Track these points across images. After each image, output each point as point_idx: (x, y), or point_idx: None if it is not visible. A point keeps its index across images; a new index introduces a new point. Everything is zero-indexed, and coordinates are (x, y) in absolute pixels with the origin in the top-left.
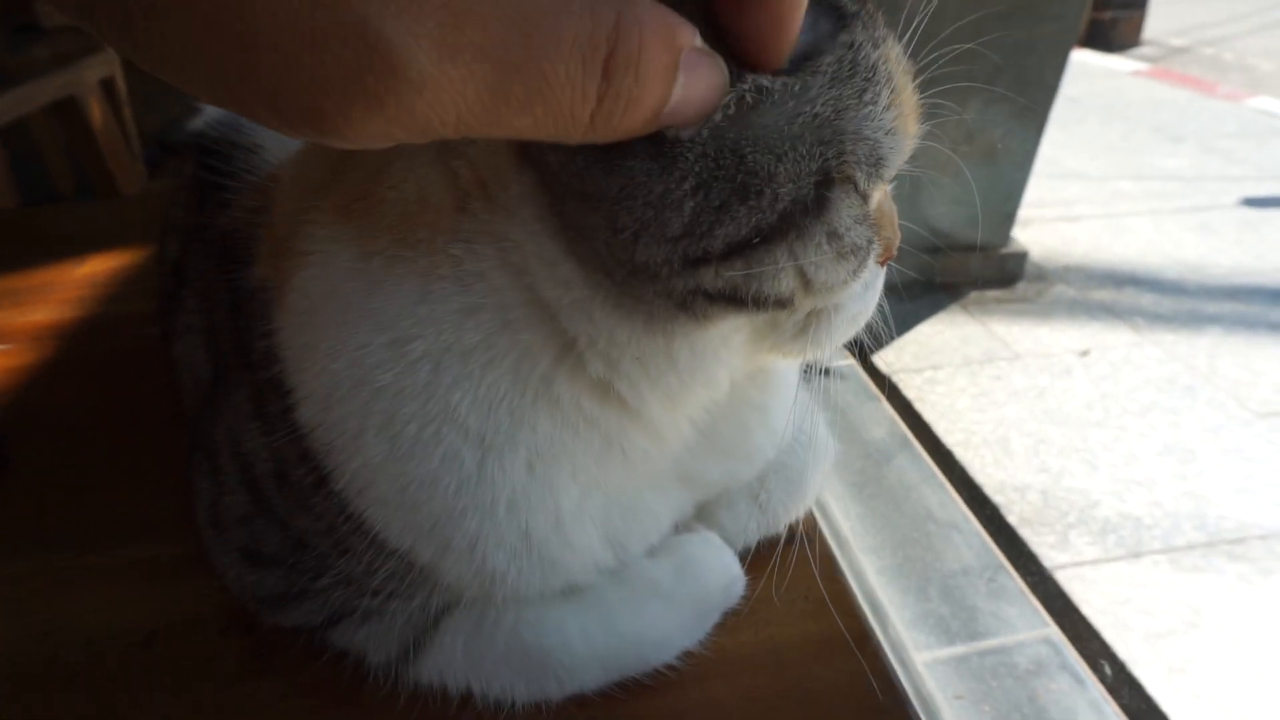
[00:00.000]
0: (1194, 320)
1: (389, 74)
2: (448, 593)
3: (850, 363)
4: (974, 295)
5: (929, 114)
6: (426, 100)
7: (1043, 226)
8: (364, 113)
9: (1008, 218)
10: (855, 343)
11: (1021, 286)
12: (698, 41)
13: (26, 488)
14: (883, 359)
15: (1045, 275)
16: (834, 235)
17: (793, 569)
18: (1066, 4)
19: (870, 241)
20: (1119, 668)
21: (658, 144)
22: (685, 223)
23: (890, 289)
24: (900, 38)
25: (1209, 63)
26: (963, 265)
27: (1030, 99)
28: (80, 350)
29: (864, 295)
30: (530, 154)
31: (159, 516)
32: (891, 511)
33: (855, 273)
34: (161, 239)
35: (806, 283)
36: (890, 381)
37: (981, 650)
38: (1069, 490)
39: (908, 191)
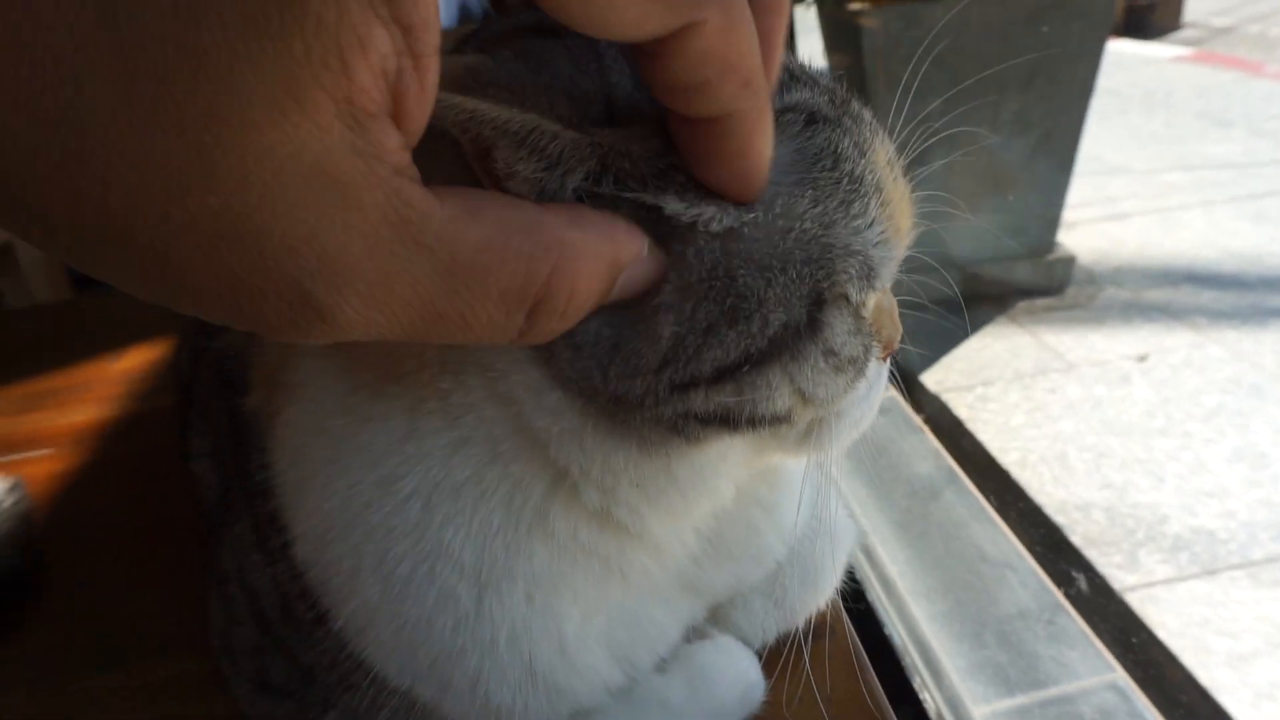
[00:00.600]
0: (1257, 315)
1: (319, 319)
2: None
3: (890, 394)
4: (1022, 305)
5: (954, 142)
6: (358, 331)
7: (1089, 228)
8: (301, 336)
9: (1051, 222)
10: (898, 372)
11: (1071, 292)
12: (644, 251)
13: (64, 602)
14: (931, 378)
15: (1095, 279)
16: (830, 353)
17: (816, 666)
18: None
19: (868, 348)
20: (1201, 695)
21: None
22: (664, 352)
23: (935, 306)
24: (924, 56)
25: (1255, 41)
26: (1007, 275)
27: (1065, 98)
28: (118, 451)
29: (868, 396)
30: None
31: (196, 629)
32: (941, 552)
33: (855, 380)
34: (177, 347)
35: (804, 399)
36: (940, 401)
37: (1044, 700)
38: (1135, 506)
39: (943, 205)
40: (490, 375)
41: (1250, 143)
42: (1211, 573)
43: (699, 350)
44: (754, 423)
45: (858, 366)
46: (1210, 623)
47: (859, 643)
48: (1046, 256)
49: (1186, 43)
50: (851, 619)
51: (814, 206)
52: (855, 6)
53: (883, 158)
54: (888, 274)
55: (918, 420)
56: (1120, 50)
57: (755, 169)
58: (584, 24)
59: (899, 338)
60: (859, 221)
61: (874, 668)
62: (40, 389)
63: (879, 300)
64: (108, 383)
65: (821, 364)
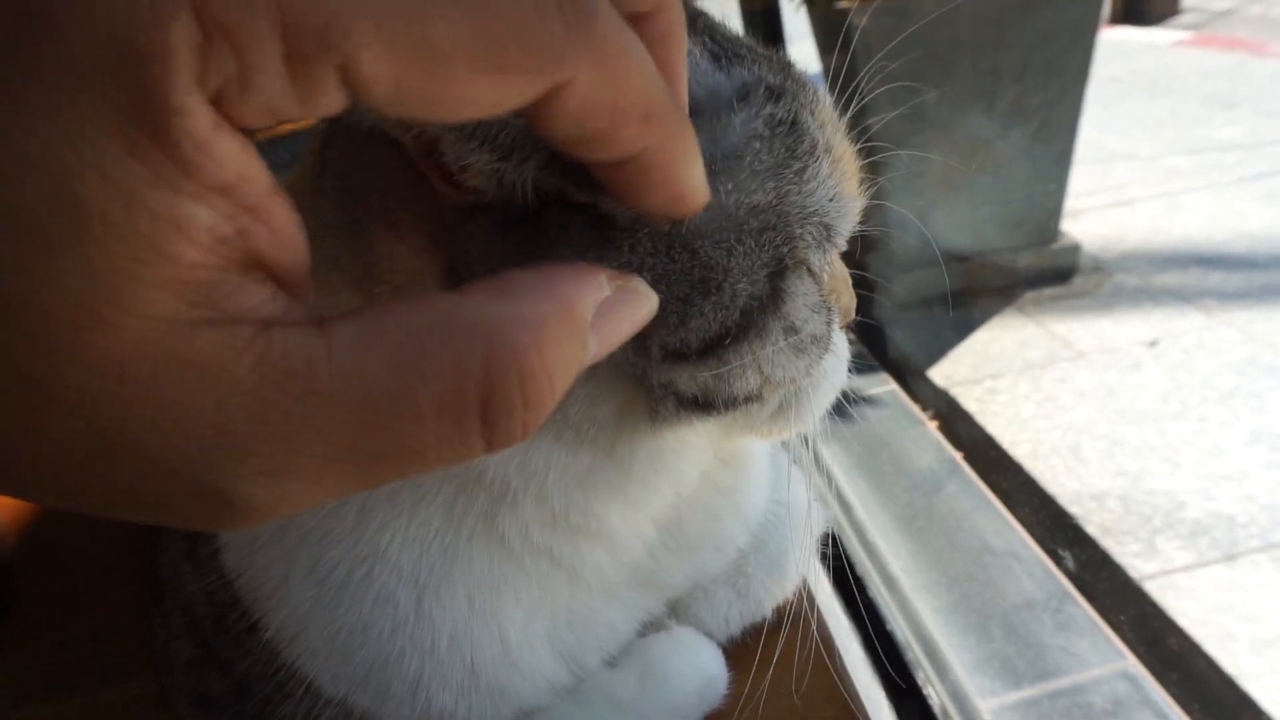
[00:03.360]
0: (1269, 295)
1: (232, 508)
2: None
3: (890, 388)
4: (1029, 296)
5: (950, 126)
6: (287, 506)
7: (1094, 215)
8: (231, 527)
9: (1054, 211)
10: (898, 365)
11: (1078, 281)
12: (606, 290)
13: (40, 623)
14: (939, 372)
15: (1102, 266)
16: (790, 329)
17: (783, 657)
18: None
19: (830, 324)
20: (1226, 682)
21: (594, 235)
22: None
23: (939, 300)
24: (916, 50)
25: (1257, 22)
26: (1012, 266)
27: (1061, 86)
28: None
29: (836, 367)
30: (460, 276)
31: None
32: (944, 545)
33: (817, 361)
34: None
35: (766, 379)
36: (948, 396)
37: (1053, 691)
38: (1151, 493)
39: (942, 199)
40: None
41: (1256, 123)
42: (1232, 558)
43: (683, 319)
44: (730, 403)
45: (820, 345)
46: (1233, 609)
47: (830, 631)
48: (1051, 245)
49: (1187, 27)
50: (852, 615)
51: (769, 178)
52: (845, 5)
53: (828, 117)
54: (843, 231)
55: (919, 413)
56: (1120, 37)
57: (687, 190)
58: (438, 114)
59: (854, 306)
60: (812, 184)
61: (876, 664)
62: None
63: (834, 269)
64: None
65: (782, 342)
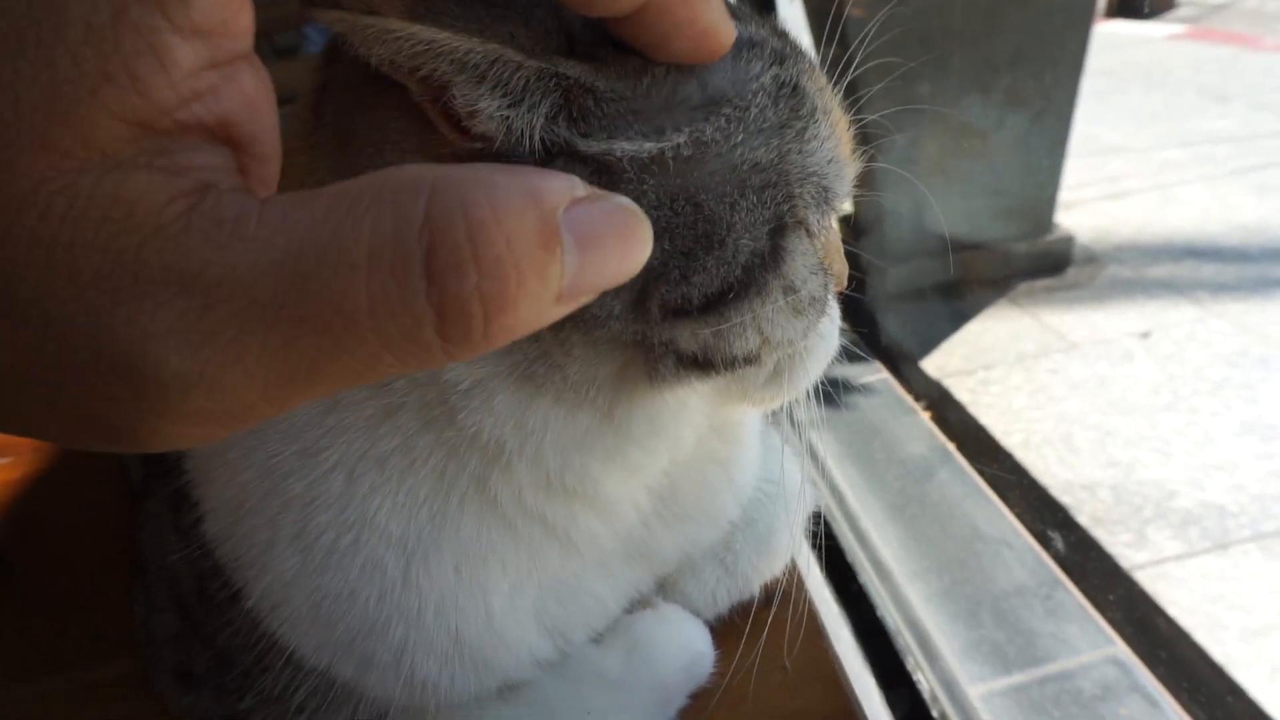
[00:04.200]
0: (1262, 286)
1: (147, 393)
2: (375, 706)
3: (883, 376)
4: (1023, 287)
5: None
6: (205, 397)
7: (1088, 207)
8: (151, 426)
9: (1048, 203)
10: (890, 354)
11: (1072, 272)
12: (580, 190)
13: (27, 602)
14: (932, 363)
15: (1096, 258)
16: (789, 289)
17: (771, 635)
18: None
19: (826, 285)
20: (1215, 671)
21: (596, 187)
22: (651, 266)
23: (932, 290)
24: (912, 40)
25: (1252, 16)
26: (1006, 258)
27: (1056, 77)
28: (77, 457)
29: (830, 331)
30: None
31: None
32: (936, 532)
33: (814, 323)
34: None
35: (765, 340)
36: (941, 386)
37: (1042, 677)
38: (1142, 483)
39: (937, 188)
40: None
41: (1250, 116)
42: (1223, 547)
43: (685, 274)
44: (729, 363)
45: (818, 307)
46: (1223, 598)
47: (818, 609)
48: (1045, 237)
49: (1182, 20)
50: (843, 602)
51: (772, 135)
52: None
53: (823, 82)
54: (840, 194)
55: (911, 402)
56: (1116, 31)
57: (710, 24)
58: None
59: (846, 274)
60: (813, 144)
61: (866, 651)
62: None
63: (827, 236)
64: None
65: (781, 301)
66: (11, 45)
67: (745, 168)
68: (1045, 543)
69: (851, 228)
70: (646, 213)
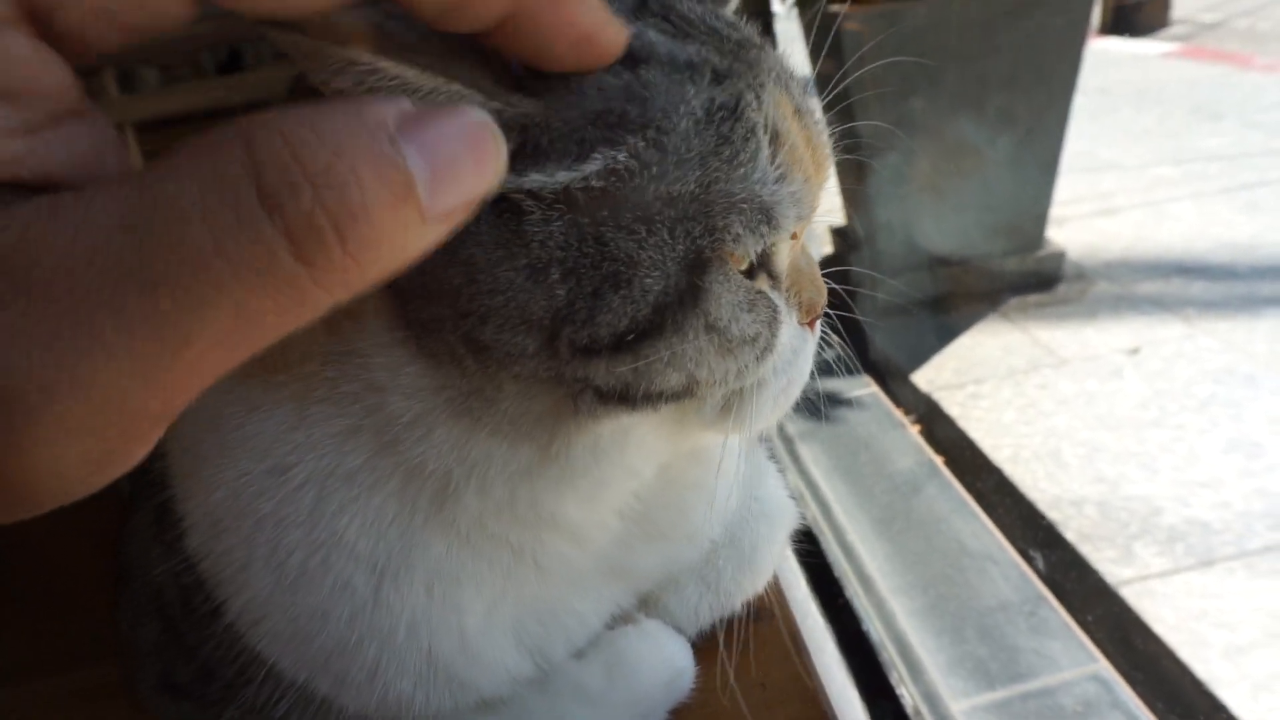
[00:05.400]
0: (1250, 305)
1: (7, 406)
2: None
3: (872, 390)
4: (1014, 302)
5: (940, 127)
6: (78, 400)
7: (1080, 223)
8: (30, 465)
9: (1039, 219)
10: (881, 368)
11: (1062, 288)
12: (405, 106)
13: (24, 604)
14: (922, 377)
15: (1086, 274)
16: (712, 329)
17: (753, 651)
18: None
19: (771, 324)
20: (1198, 688)
21: (502, 230)
22: (558, 307)
23: (923, 305)
24: (906, 55)
25: (1244, 35)
26: (997, 272)
27: (1048, 94)
28: None
29: (793, 363)
30: None
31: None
32: (922, 547)
33: (754, 364)
34: None
35: (691, 378)
36: (931, 400)
37: (1024, 693)
38: (1129, 499)
39: (929, 203)
40: (359, 360)
41: (1241, 135)
42: (1207, 564)
43: (593, 314)
44: (651, 399)
45: (756, 347)
46: (1207, 615)
47: (798, 626)
48: (1036, 252)
49: (1175, 39)
50: (828, 616)
51: (693, 167)
52: (836, 9)
53: (782, 99)
54: (790, 215)
55: (900, 416)
56: (1109, 48)
57: (594, 30)
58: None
59: (823, 301)
60: (743, 170)
61: (851, 665)
62: None
63: (795, 261)
64: None
65: (703, 341)
66: None
67: (658, 202)
68: (1031, 563)
69: (844, 241)
70: (553, 255)
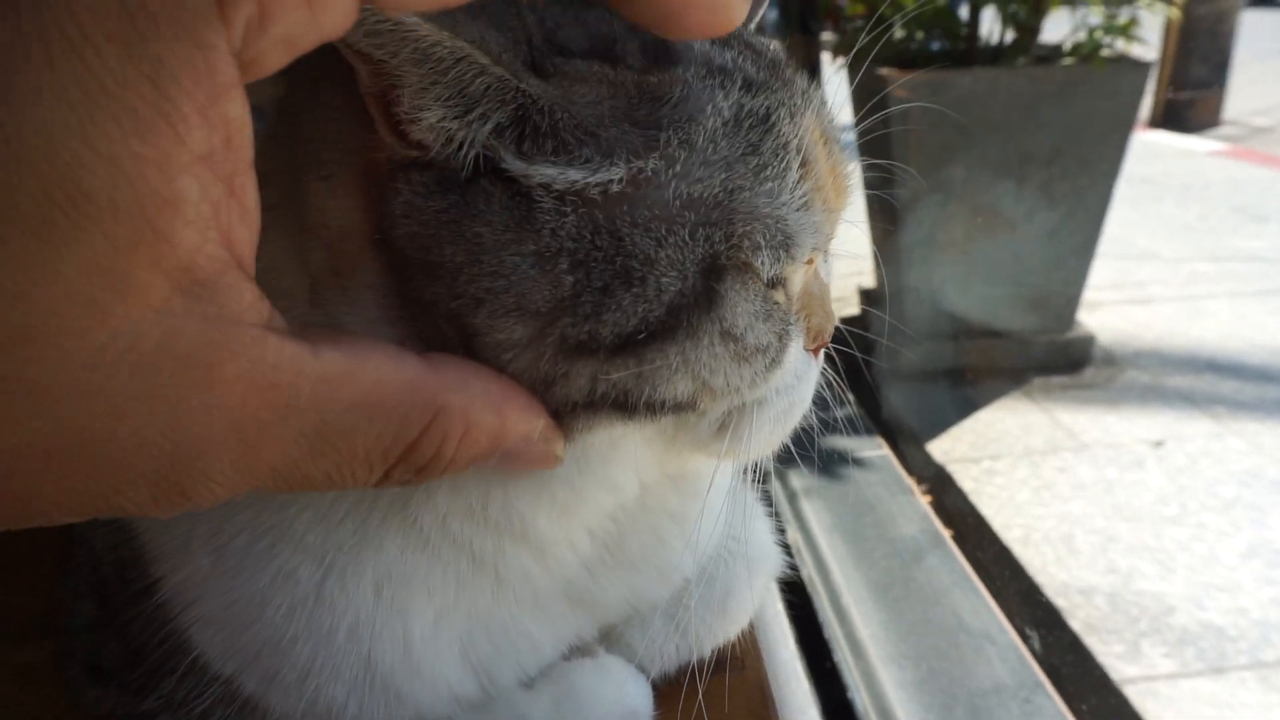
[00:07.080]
0: None
1: (185, 499)
2: None
3: (883, 453)
4: (1038, 381)
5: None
6: (223, 498)
7: (1112, 309)
8: (168, 514)
9: (1071, 300)
10: (893, 431)
11: (1089, 372)
12: (535, 434)
13: None
14: (937, 447)
15: (1115, 360)
16: (728, 335)
17: (715, 702)
18: (1124, 79)
19: (783, 335)
20: None
21: (514, 213)
22: (561, 298)
23: (946, 374)
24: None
25: None
26: (1024, 350)
27: (1091, 177)
28: None
29: (795, 387)
30: (384, 237)
31: None
32: (918, 618)
33: (764, 374)
34: None
35: (703, 386)
36: (944, 471)
37: None
38: (1140, 594)
39: (961, 272)
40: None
41: None
42: (1219, 671)
43: (597, 309)
44: (652, 408)
45: (768, 356)
46: None
47: (771, 682)
48: (1066, 333)
49: (1225, 139)
50: (813, 679)
51: (719, 169)
52: (884, 72)
53: (812, 124)
54: (807, 244)
55: (909, 481)
56: (1158, 140)
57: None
58: None
59: (831, 328)
60: (769, 185)
61: None
62: None
63: (807, 285)
64: None
65: (718, 347)
66: (46, 236)
67: (680, 202)
68: (1029, 642)
69: (868, 297)
70: (563, 244)
